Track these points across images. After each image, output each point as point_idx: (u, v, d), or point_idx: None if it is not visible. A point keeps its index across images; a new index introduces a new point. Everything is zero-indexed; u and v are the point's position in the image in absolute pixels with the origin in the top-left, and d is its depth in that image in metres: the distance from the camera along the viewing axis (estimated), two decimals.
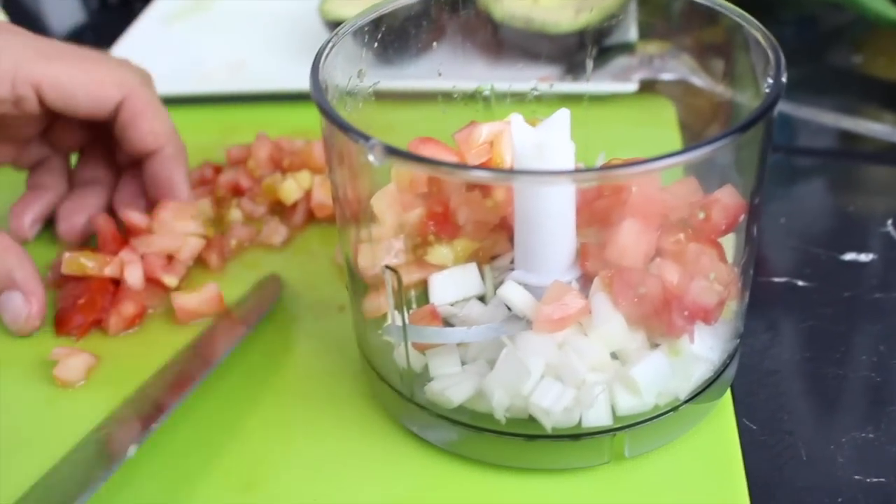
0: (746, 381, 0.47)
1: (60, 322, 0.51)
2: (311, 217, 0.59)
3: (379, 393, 0.46)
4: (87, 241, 0.57)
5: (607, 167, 0.45)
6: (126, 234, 0.55)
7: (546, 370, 0.40)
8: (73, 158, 0.61)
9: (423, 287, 0.43)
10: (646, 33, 0.61)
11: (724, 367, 0.44)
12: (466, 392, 0.41)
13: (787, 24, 0.80)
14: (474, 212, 0.43)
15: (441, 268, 0.43)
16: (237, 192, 0.61)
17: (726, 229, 0.41)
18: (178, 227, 0.54)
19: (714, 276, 0.40)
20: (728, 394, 0.45)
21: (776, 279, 0.53)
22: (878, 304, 0.51)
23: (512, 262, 0.44)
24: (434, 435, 0.43)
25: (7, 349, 0.51)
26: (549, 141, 0.41)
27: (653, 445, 0.43)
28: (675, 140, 0.61)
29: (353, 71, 0.46)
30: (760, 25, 0.42)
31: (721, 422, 0.44)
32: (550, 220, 0.41)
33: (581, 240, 0.42)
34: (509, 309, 0.42)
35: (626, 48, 0.65)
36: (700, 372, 0.42)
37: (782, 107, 0.39)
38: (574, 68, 0.62)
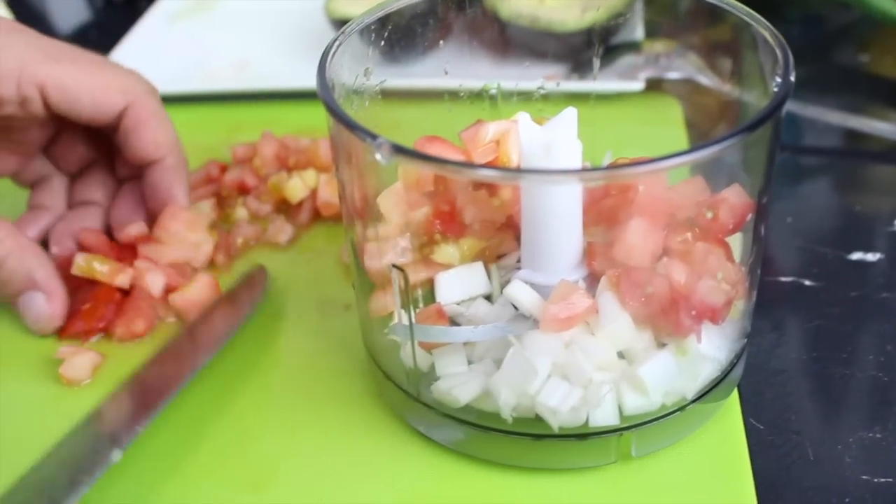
0: (753, 380, 0.47)
1: (63, 326, 0.51)
2: (316, 216, 0.59)
3: (385, 392, 0.46)
4: None
5: (614, 166, 0.45)
6: (129, 246, 0.54)
7: (553, 369, 0.40)
8: None
9: (429, 286, 0.43)
10: (652, 32, 0.61)
11: (731, 366, 0.43)
12: (473, 391, 0.41)
13: (793, 22, 0.80)
14: (481, 211, 0.43)
15: (447, 267, 0.43)
16: (243, 190, 0.61)
17: (734, 228, 0.41)
18: (191, 237, 0.54)
19: (721, 276, 0.40)
20: (735, 393, 0.45)
21: (783, 279, 0.53)
22: (886, 303, 0.51)
23: (518, 261, 0.43)
24: (440, 434, 0.43)
25: (13, 347, 0.51)
26: (557, 140, 0.41)
27: (660, 445, 0.43)
28: (681, 139, 0.61)
29: (360, 69, 0.46)
30: (768, 24, 0.42)
31: (728, 421, 0.44)
32: (557, 219, 0.41)
33: (588, 239, 0.42)
34: (516, 308, 0.42)
35: (633, 47, 0.65)
36: (707, 371, 0.42)
37: (788, 106, 0.38)
38: (580, 67, 0.62)
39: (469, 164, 0.42)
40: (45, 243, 0.56)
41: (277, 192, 0.59)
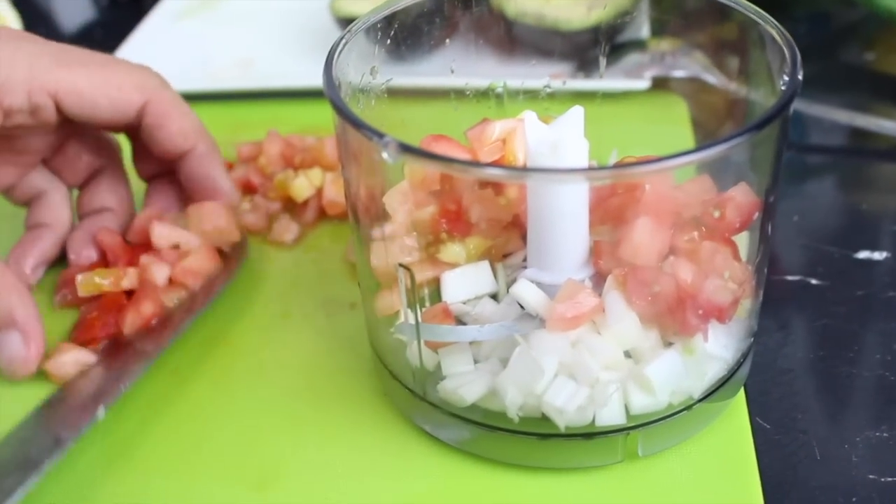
0: (760, 379, 0.47)
1: (78, 337, 0.50)
2: (322, 214, 0.59)
3: (391, 391, 0.46)
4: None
5: (621, 165, 0.45)
6: (142, 246, 0.54)
7: (559, 369, 0.40)
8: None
9: (435, 285, 0.43)
10: (658, 30, 0.61)
11: (738, 365, 0.43)
12: (479, 390, 0.41)
13: (799, 20, 0.80)
14: (487, 209, 0.43)
15: (454, 266, 0.43)
16: (248, 189, 0.61)
17: (740, 227, 0.41)
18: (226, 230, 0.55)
19: (728, 275, 0.40)
20: (742, 393, 0.45)
21: (789, 277, 0.53)
22: (892, 302, 0.51)
23: (525, 259, 0.43)
24: (447, 433, 0.43)
25: None
26: (563, 138, 0.41)
27: (666, 444, 0.42)
28: (687, 137, 0.60)
29: (366, 68, 0.46)
30: (775, 22, 0.42)
31: (734, 421, 0.44)
32: (564, 218, 0.41)
33: (594, 238, 0.42)
34: (522, 307, 0.41)
35: (639, 45, 0.65)
36: (714, 371, 0.42)
37: (794, 104, 0.38)
38: (586, 65, 0.62)
39: (475, 164, 0.42)
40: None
41: (283, 190, 0.59)
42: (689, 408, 0.42)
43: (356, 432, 0.45)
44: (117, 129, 0.55)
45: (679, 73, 0.65)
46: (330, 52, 0.42)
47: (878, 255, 0.54)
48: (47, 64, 0.50)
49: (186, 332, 0.51)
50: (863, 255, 0.55)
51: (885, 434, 0.44)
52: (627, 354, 0.41)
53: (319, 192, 0.59)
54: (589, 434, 0.41)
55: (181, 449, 0.45)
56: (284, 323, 0.52)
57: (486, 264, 0.43)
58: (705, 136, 0.60)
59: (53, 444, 0.42)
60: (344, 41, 0.43)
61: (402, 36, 0.47)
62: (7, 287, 0.48)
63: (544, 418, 0.40)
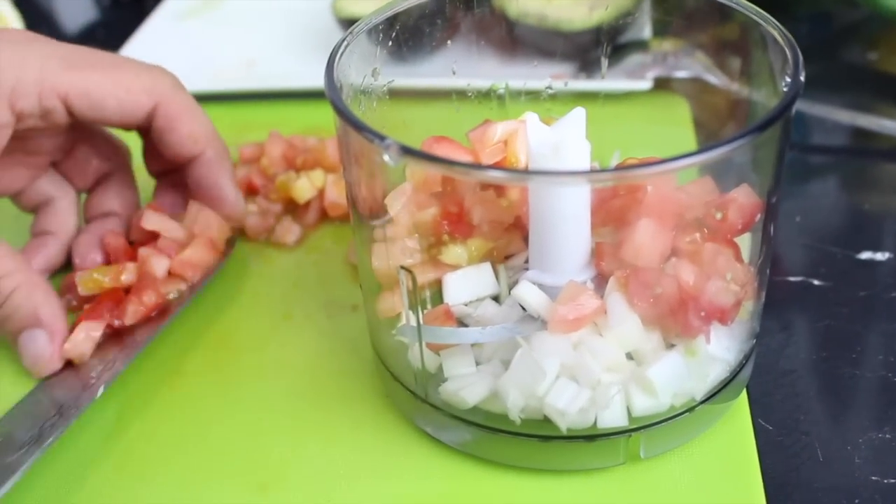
0: (762, 381, 0.47)
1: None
2: (324, 216, 0.59)
3: (393, 393, 0.46)
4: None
5: (623, 167, 0.45)
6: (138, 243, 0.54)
7: (561, 371, 0.40)
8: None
9: (437, 287, 0.43)
10: (660, 31, 0.60)
11: (740, 367, 0.43)
12: (481, 393, 0.41)
13: (801, 20, 0.80)
14: (489, 211, 0.43)
15: (455, 267, 0.43)
16: (250, 190, 0.61)
17: (743, 229, 0.41)
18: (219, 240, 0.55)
19: (730, 276, 0.40)
20: (744, 394, 0.45)
21: (791, 278, 0.53)
22: (895, 303, 0.51)
23: (526, 261, 0.43)
24: (448, 436, 0.43)
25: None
26: (565, 140, 0.41)
27: (668, 446, 0.42)
28: (689, 138, 0.60)
29: (368, 69, 0.46)
30: (777, 23, 0.42)
31: (737, 422, 0.44)
32: (565, 220, 0.41)
33: (596, 239, 0.42)
34: (524, 309, 0.41)
35: (641, 46, 0.65)
36: (716, 372, 0.42)
37: (796, 104, 0.38)
38: (588, 66, 0.62)
39: (477, 166, 0.42)
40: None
41: (285, 191, 0.59)
42: (691, 409, 0.42)
43: (358, 434, 0.45)
44: (128, 128, 0.54)
45: (681, 74, 0.64)
46: (331, 54, 0.42)
47: (881, 256, 0.54)
48: (57, 66, 0.49)
49: (187, 333, 0.51)
50: (865, 255, 0.55)
51: (887, 435, 0.44)
52: (629, 356, 0.41)
53: (321, 194, 0.59)
54: (591, 436, 0.41)
55: (184, 450, 0.45)
56: (286, 324, 0.52)
57: (487, 266, 0.43)
58: (707, 136, 0.60)
59: (57, 417, 0.44)
60: (345, 43, 0.43)
61: (404, 37, 0.47)
62: (32, 285, 0.49)
63: (546, 420, 0.40)
